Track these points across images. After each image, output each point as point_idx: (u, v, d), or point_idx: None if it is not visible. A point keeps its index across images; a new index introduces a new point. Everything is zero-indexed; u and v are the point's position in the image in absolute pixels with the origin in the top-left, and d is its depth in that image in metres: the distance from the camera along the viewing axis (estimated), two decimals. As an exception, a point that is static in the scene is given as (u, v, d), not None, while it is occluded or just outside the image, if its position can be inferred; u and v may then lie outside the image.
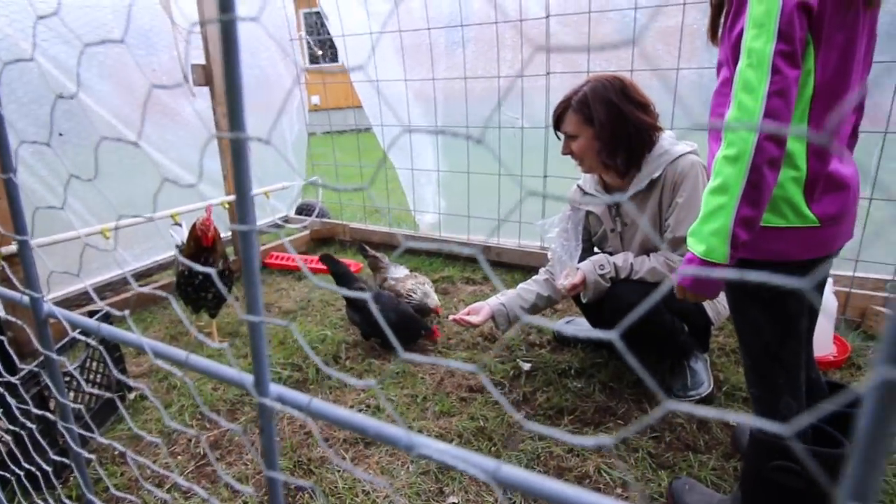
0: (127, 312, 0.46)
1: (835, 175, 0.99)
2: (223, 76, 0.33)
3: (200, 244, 2.19)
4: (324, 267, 2.42)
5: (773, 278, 0.28)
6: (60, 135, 2.60)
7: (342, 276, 2.36)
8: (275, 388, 0.39)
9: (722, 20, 1.03)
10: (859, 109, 1.10)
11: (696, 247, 1.00)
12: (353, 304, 2.26)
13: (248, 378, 0.40)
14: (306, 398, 0.37)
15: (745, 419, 0.27)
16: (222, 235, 2.52)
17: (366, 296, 0.38)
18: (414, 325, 2.17)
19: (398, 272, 2.54)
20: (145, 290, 0.45)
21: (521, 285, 2.05)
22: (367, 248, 2.69)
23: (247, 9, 3.18)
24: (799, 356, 1.08)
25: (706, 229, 0.97)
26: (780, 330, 1.07)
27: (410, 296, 2.38)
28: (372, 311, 0.35)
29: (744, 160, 0.90)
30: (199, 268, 0.41)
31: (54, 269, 0.51)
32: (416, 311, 2.29)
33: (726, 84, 0.99)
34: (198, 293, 2.24)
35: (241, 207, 0.34)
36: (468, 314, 1.96)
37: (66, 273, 0.50)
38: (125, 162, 2.90)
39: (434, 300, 2.38)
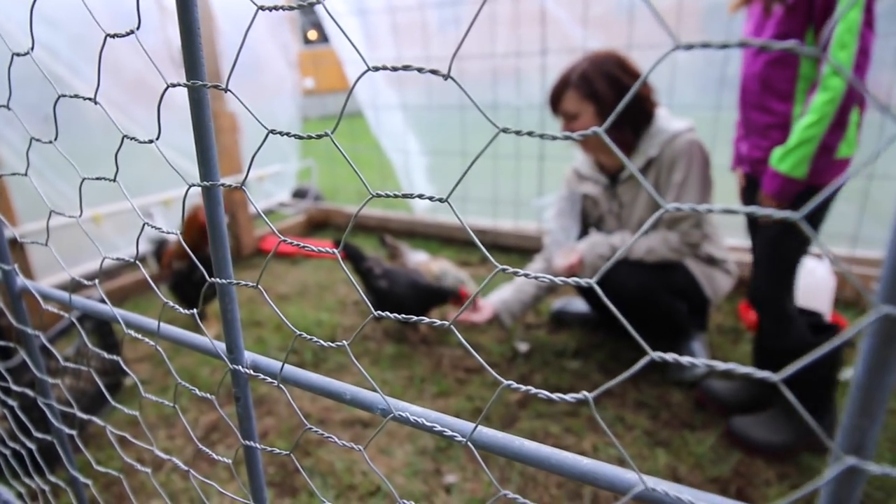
0: (97, 282, 0.44)
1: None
2: (179, 17, 0.30)
3: (204, 232, 2.12)
4: (326, 252, 2.37)
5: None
6: (49, 120, 2.56)
7: (354, 257, 2.33)
8: (249, 356, 0.37)
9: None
10: None
11: (781, 165, 1.26)
12: (368, 288, 2.23)
13: (222, 346, 0.38)
14: (278, 364, 0.36)
15: (737, 368, 0.25)
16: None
17: (375, 266, 0.36)
18: (433, 295, 2.09)
19: (418, 256, 2.49)
20: (120, 258, 0.43)
21: (518, 277, 2.03)
22: (386, 237, 2.62)
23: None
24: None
25: (796, 153, 1.23)
26: (805, 239, 1.38)
27: (440, 280, 2.27)
28: (365, 266, 0.34)
29: (836, 102, 1.17)
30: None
31: (31, 241, 0.49)
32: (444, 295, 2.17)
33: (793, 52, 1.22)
34: (197, 290, 2.18)
35: (205, 163, 0.32)
36: (471, 311, 1.95)
37: (35, 242, 0.48)
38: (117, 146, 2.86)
39: (471, 288, 2.18)
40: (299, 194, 3.99)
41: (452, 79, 0.27)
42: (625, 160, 0.22)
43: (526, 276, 0.28)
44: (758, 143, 1.40)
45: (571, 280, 0.27)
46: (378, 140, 3.47)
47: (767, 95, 1.33)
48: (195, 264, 2.11)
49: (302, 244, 0.34)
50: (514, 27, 2.85)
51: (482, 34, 2.99)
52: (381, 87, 3.30)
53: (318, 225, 3.79)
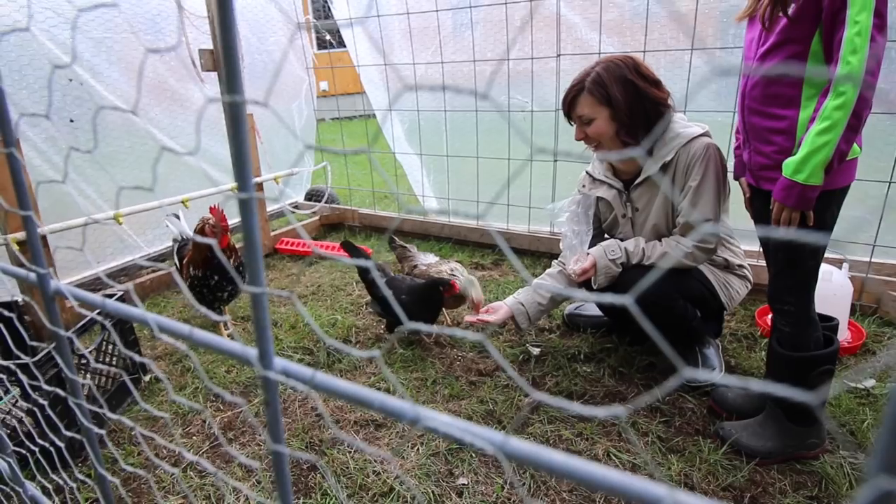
0: (131, 285, 0.45)
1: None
2: (219, 35, 0.32)
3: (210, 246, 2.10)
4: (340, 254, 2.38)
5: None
6: (72, 121, 2.61)
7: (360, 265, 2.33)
8: (279, 362, 0.39)
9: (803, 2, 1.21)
10: None
11: (798, 176, 1.24)
12: (373, 296, 2.24)
13: (252, 352, 0.40)
14: (310, 371, 0.37)
15: (769, 388, 0.26)
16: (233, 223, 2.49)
17: (369, 264, 0.37)
18: (432, 298, 2.04)
19: (428, 258, 2.47)
20: (143, 262, 0.45)
21: (535, 280, 2.03)
22: (395, 238, 2.62)
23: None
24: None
25: (812, 161, 1.21)
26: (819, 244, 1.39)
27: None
28: (377, 280, 0.34)
29: (848, 107, 1.15)
30: (199, 239, 0.40)
31: (66, 246, 0.51)
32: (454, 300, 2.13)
33: (799, 57, 1.24)
34: (214, 294, 2.16)
35: (241, 175, 0.33)
36: (486, 312, 1.95)
37: (71, 247, 0.50)
38: (137, 148, 2.91)
39: (477, 292, 2.09)
40: (314, 195, 4.02)
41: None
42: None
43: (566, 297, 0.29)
44: (759, 149, 1.38)
45: (606, 299, 0.28)
46: (389, 143, 3.50)
47: (770, 101, 1.32)
48: (212, 271, 2.12)
49: (331, 251, 0.35)
50: (529, 31, 2.85)
51: (497, 38, 2.99)
52: (384, 92, 3.32)
53: (331, 226, 3.82)
